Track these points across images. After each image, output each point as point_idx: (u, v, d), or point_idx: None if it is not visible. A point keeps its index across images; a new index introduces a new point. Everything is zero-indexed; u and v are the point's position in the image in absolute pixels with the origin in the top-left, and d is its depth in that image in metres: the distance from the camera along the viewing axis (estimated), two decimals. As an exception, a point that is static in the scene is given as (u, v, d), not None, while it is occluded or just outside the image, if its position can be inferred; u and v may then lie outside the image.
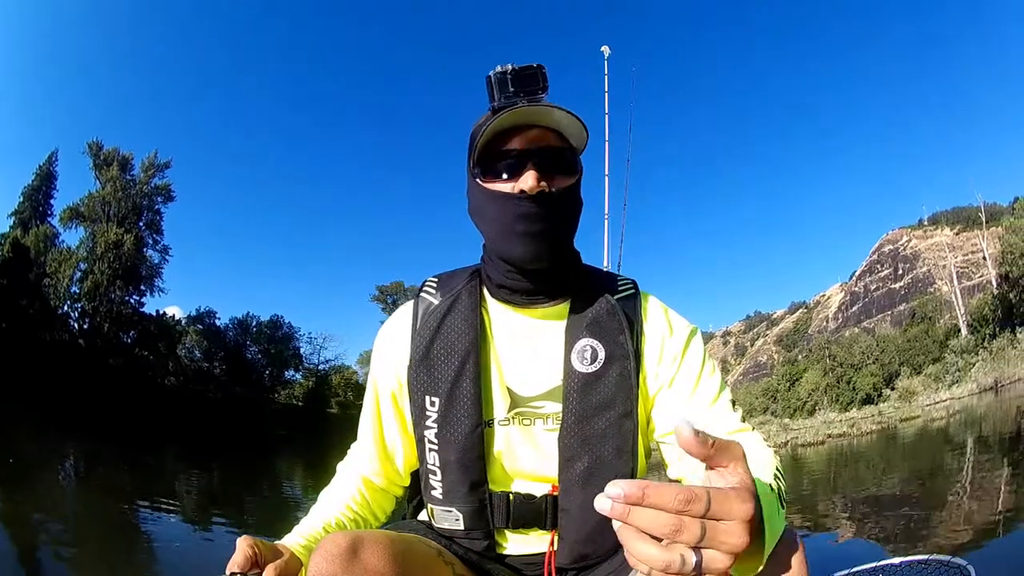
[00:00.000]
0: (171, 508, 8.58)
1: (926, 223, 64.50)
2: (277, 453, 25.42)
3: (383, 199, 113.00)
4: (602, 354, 1.18)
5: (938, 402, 26.08)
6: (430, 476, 1.23)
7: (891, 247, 65.82)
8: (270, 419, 37.78)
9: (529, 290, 1.22)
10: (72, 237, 36.13)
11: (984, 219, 42.92)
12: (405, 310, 1.33)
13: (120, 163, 37.37)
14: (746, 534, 0.60)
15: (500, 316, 1.26)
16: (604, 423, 1.16)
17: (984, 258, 41.62)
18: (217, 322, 43.59)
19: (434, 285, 1.31)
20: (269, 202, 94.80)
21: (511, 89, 1.12)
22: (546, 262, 1.17)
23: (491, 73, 1.13)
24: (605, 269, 1.49)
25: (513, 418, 1.21)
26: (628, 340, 1.19)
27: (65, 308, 34.31)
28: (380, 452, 1.34)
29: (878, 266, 66.75)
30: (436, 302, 1.28)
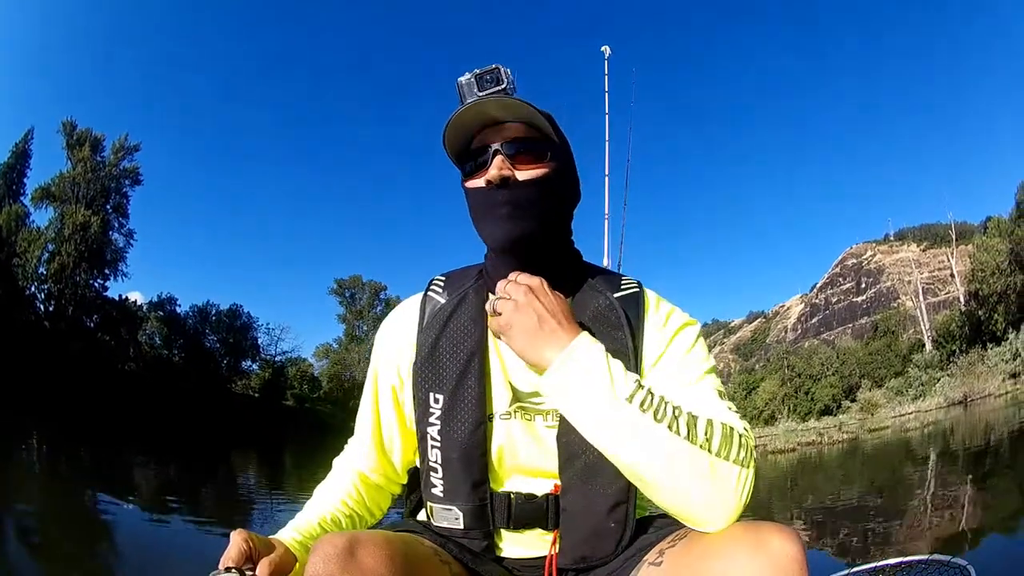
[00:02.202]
0: (129, 497, 8.56)
1: (892, 238, 65.98)
2: (234, 444, 25.57)
3: (343, 193, 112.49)
4: None
5: (903, 415, 26.60)
6: (431, 474, 1.22)
7: (854, 260, 67.27)
8: (227, 409, 38.05)
9: None
10: (42, 217, 35.73)
11: (954, 236, 43.75)
12: (411, 307, 1.34)
13: (92, 144, 37.03)
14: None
15: None
16: None
17: (952, 275, 42.48)
18: (177, 309, 43.62)
19: (441, 284, 1.33)
20: (230, 190, 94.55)
21: (476, 91, 1.18)
22: (527, 243, 1.19)
23: (458, 80, 1.20)
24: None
25: (514, 412, 1.20)
26: (627, 337, 1.18)
27: (32, 289, 33.90)
28: (377, 448, 1.34)
29: (840, 279, 68.15)
30: (443, 301, 1.29)
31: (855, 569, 2.26)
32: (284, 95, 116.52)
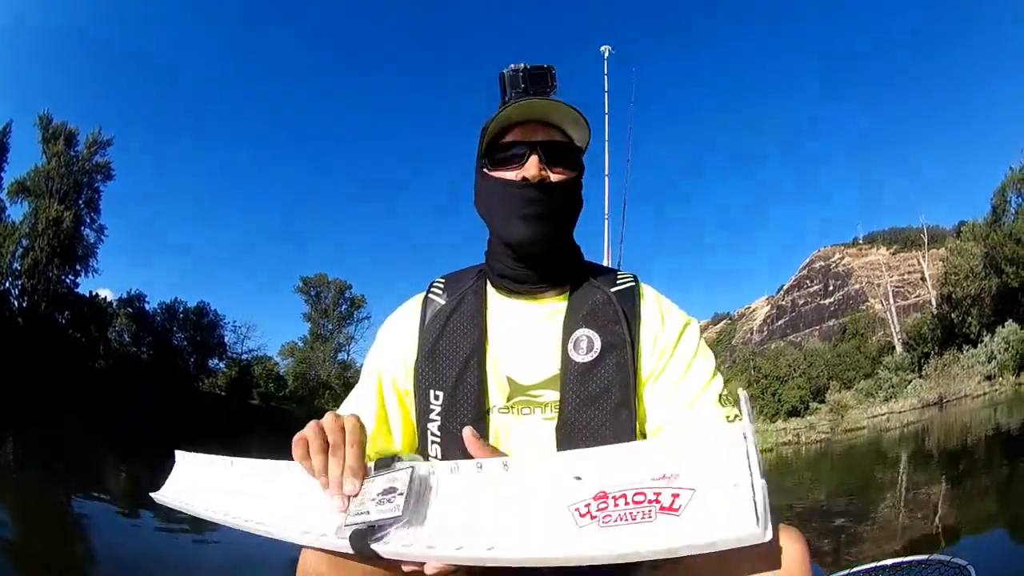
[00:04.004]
0: (101, 496, 8.61)
1: (861, 241, 66.53)
2: (202, 442, 25.17)
3: (310, 191, 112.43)
4: (598, 344, 1.21)
5: (877, 415, 26.76)
6: None
7: (822, 263, 67.93)
8: (195, 407, 37.39)
9: (529, 278, 1.27)
10: (17, 211, 35.10)
11: (926, 240, 44.28)
12: (413, 307, 1.37)
13: (66, 137, 36.54)
14: None
15: (501, 308, 1.30)
16: (601, 413, 1.17)
17: (923, 278, 42.98)
18: (146, 306, 43.40)
19: (441, 286, 1.37)
20: (197, 186, 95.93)
21: (522, 86, 1.23)
22: (546, 245, 1.23)
23: (504, 71, 1.24)
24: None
25: (512, 407, 1.23)
26: (624, 330, 1.22)
27: (7, 285, 33.28)
28: (384, 437, 1.34)
29: (808, 281, 68.79)
30: (443, 302, 1.32)
31: (855, 569, 2.25)
32: (257, 94, 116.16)
